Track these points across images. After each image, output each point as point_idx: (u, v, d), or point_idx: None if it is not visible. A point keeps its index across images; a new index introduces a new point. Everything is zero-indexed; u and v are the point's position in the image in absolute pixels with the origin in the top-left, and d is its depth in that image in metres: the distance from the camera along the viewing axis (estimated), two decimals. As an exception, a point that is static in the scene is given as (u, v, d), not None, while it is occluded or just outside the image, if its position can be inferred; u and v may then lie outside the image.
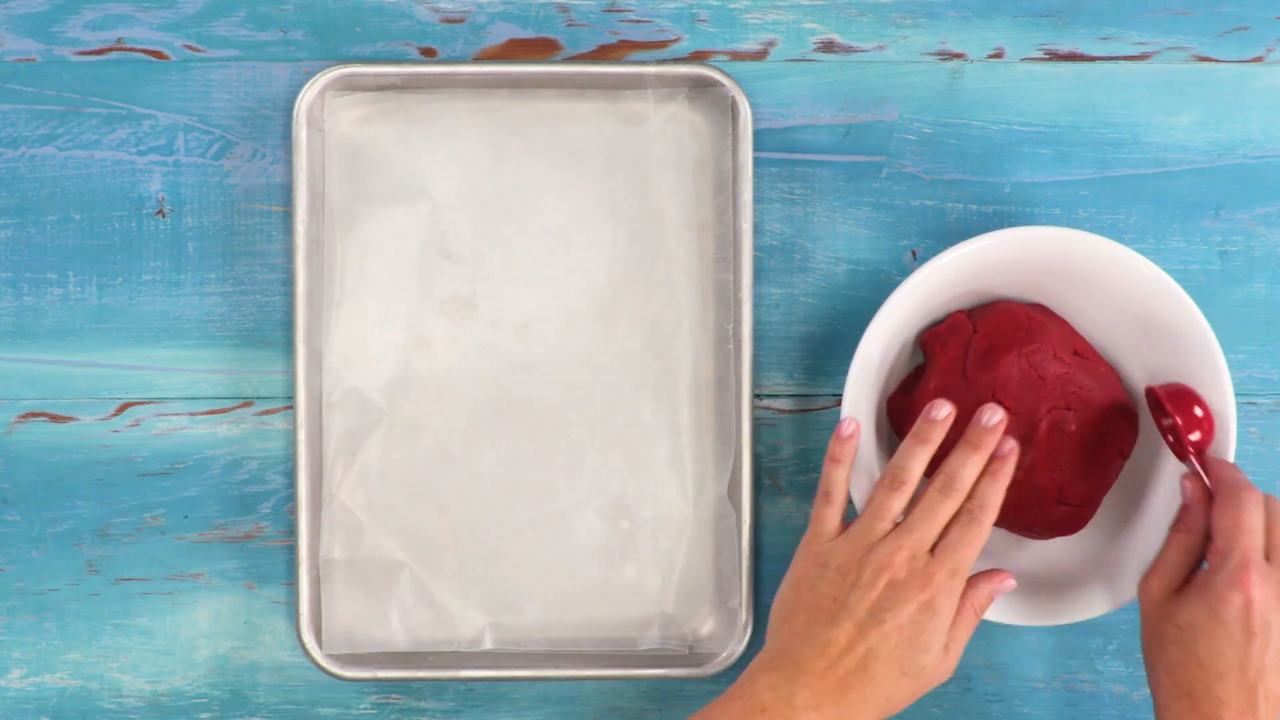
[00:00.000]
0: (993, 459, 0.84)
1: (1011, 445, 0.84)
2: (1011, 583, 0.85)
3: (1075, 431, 0.88)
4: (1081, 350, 0.89)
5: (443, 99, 0.94)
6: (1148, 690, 0.94)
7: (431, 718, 0.94)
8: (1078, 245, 0.87)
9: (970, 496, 0.83)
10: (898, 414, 0.91)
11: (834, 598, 0.82)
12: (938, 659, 0.81)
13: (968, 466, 0.83)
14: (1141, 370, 0.90)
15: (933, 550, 0.82)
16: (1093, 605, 0.88)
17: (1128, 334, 0.90)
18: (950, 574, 0.81)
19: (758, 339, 0.94)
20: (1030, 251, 0.88)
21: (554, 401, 0.94)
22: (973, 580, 0.84)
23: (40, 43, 0.94)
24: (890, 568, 0.81)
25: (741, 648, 0.92)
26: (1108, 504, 0.91)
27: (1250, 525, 0.81)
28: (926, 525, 0.82)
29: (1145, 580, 0.84)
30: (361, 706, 0.94)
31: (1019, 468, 0.86)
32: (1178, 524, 0.85)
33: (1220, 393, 0.87)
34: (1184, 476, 0.85)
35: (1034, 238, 0.87)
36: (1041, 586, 0.89)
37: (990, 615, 0.87)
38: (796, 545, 0.95)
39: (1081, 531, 0.90)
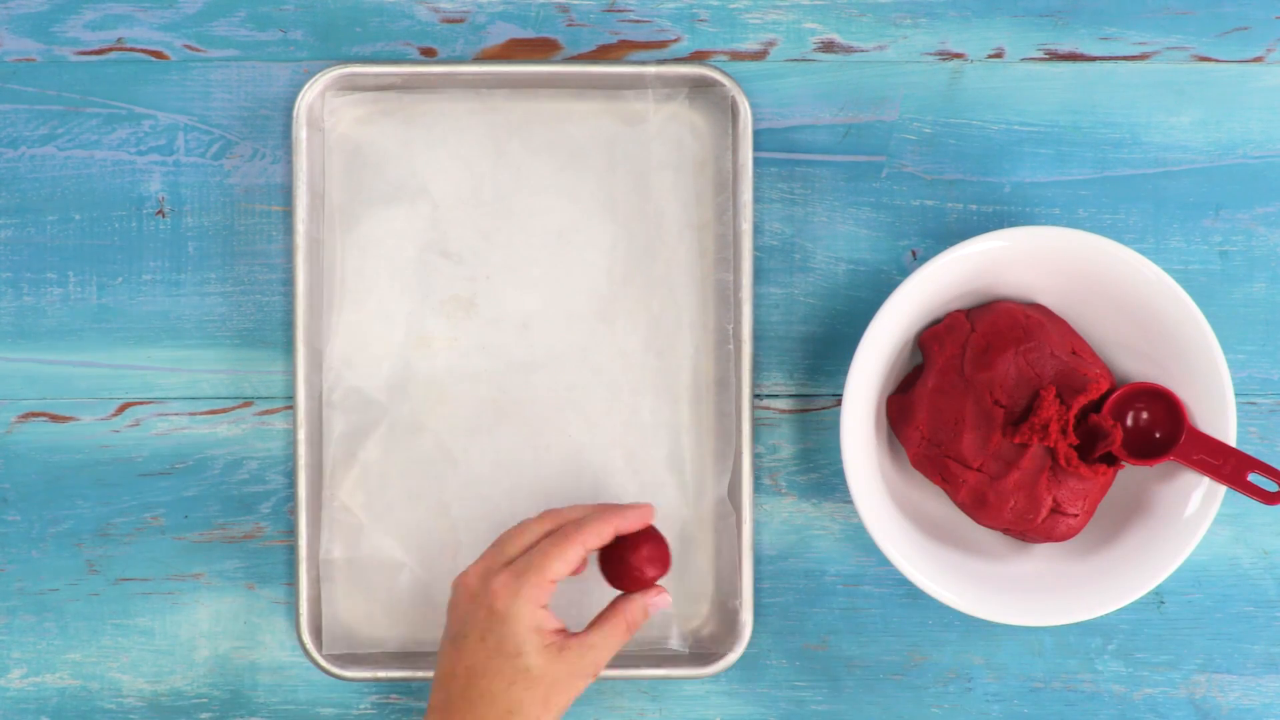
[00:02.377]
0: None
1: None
2: (665, 600, 0.85)
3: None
4: (1079, 350, 0.89)
5: (443, 99, 0.94)
6: (1148, 690, 0.94)
7: (431, 718, 0.94)
8: (1077, 245, 0.87)
9: (566, 525, 0.84)
10: (896, 413, 0.91)
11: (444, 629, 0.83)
12: (547, 659, 0.80)
13: (576, 510, 0.85)
14: (1141, 371, 0.90)
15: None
16: (1093, 606, 0.88)
17: (1127, 334, 0.90)
18: (513, 576, 0.81)
19: (758, 339, 0.94)
20: (1030, 251, 0.88)
21: (554, 401, 0.94)
22: (627, 597, 0.85)
23: (40, 43, 0.94)
24: (465, 584, 0.82)
25: (741, 647, 0.92)
26: (1105, 508, 0.91)
27: None
28: (510, 542, 0.83)
29: None
30: (361, 706, 0.94)
31: (1017, 468, 0.87)
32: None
33: (1220, 393, 0.87)
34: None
35: (1034, 237, 0.87)
36: (1043, 588, 0.89)
37: (991, 615, 0.87)
38: (797, 545, 0.95)
39: (1081, 534, 0.90)
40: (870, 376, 0.88)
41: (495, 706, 0.79)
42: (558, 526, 0.84)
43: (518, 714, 0.79)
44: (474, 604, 0.81)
